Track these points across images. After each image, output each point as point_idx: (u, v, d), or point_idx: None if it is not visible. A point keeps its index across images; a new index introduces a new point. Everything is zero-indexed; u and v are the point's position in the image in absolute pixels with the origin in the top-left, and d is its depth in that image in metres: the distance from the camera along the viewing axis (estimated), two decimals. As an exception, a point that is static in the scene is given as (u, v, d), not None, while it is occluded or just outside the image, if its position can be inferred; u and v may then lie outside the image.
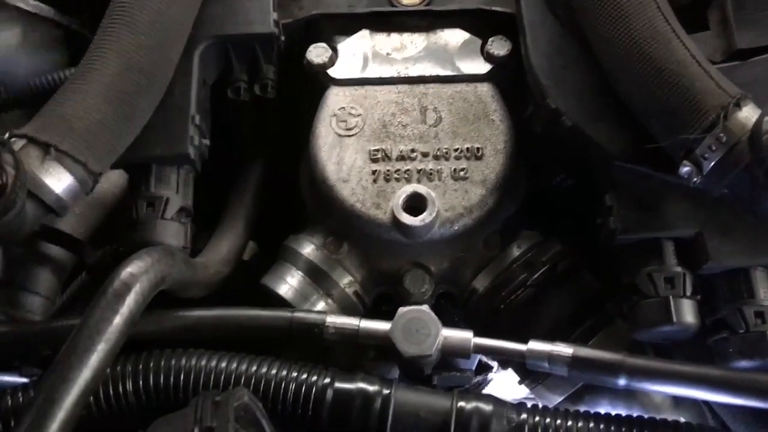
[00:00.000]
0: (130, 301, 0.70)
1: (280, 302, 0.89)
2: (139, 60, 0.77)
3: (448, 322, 1.04)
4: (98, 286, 0.72)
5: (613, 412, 0.80)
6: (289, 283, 0.90)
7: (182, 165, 0.85)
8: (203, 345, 0.80)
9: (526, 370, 0.83)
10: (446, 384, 0.93)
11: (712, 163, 0.71)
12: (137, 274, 0.72)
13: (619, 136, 0.80)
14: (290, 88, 0.96)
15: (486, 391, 1.11)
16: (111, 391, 0.74)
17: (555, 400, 0.90)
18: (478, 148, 0.90)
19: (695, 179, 0.72)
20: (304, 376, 0.76)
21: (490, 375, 1.10)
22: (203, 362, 0.76)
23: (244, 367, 0.76)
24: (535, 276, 0.88)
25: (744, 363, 0.75)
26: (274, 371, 0.76)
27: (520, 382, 0.93)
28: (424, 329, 0.78)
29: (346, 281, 0.90)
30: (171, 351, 0.77)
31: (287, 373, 0.76)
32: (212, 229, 0.97)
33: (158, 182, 0.83)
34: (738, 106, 0.70)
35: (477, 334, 0.81)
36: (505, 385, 1.11)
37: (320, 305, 0.89)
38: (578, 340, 0.86)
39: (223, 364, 0.76)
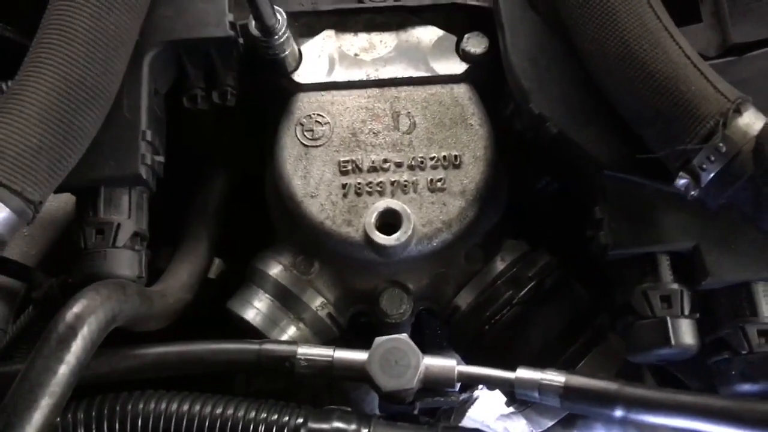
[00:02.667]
0: (76, 347, 0.63)
1: (248, 328, 0.82)
2: (78, 73, 0.69)
3: (430, 336, 0.99)
4: (45, 323, 0.66)
5: (608, 437, 0.75)
6: (256, 308, 0.83)
7: (134, 186, 0.77)
8: (164, 383, 0.73)
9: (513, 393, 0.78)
10: (430, 406, 0.87)
11: (711, 175, 0.65)
12: (84, 316, 0.65)
13: (609, 143, 0.74)
14: (252, 95, 0.89)
15: (473, 409, 1.06)
16: (61, 445, 0.68)
17: (545, 424, 0.84)
18: (455, 156, 0.83)
19: (692, 192, 0.66)
20: (275, 416, 0.70)
21: (476, 392, 1.05)
22: (163, 405, 0.70)
23: (208, 409, 0.70)
24: (522, 293, 0.82)
25: (747, 387, 0.70)
26: (241, 413, 0.70)
27: (507, 404, 0.88)
28: (403, 360, 0.72)
29: (318, 303, 0.84)
30: (128, 394, 0.70)
31: (256, 413, 0.70)
32: (174, 245, 0.90)
33: (108, 206, 0.76)
34: (738, 111, 0.64)
35: (462, 354, 0.75)
36: (493, 402, 1.05)
37: (291, 330, 0.83)
38: (570, 360, 0.81)
39: (186, 407, 0.70)
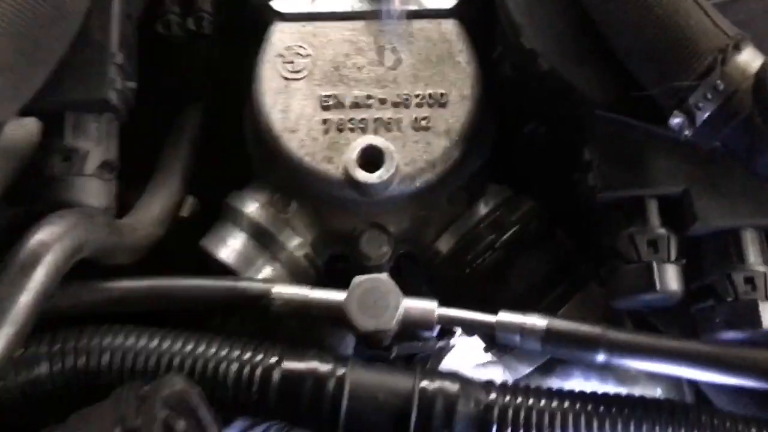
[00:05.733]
0: (39, 274, 0.60)
1: (222, 268, 0.79)
2: None
3: (409, 283, 0.97)
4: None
5: (587, 384, 0.74)
6: (231, 246, 0.80)
7: (103, 111, 0.73)
8: (135, 321, 0.70)
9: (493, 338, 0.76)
10: (407, 352, 0.86)
11: (707, 114, 0.62)
12: (49, 242, 0.62)
13: (601, 81, 0.71)
14: (230, 23, 0.85)
15: (449, 357, 1.05)
16: (22, 378, 0.64)
17: (524, 371, 0.83)
18: (441, 94, 0.80)
19: (687, 132, 0.64)
20: (248, 354, 0.67)
21: (453, 341, 1.03)
22: (131, 341, 0.67)
23: (178, 345, 0.67)
24: (504, 237, 0.80)
25: (732, 334, 0.69)
26: (213, 350, 0.67)
27: (486, 350, 0.87)
28: (382, 301, 0.70)
29: (295, 243, 0.81)
30: (94, 328, 0.67)
31: (228, 351, 0.67)
32: (144, 184, 0.87)
33: (75, 132, 0.72)
34: (737, 48, 0.62)
35: (442, 298, 0.73)
36: (469, 351, 1.04)
37: (267, 270, 0.80)
38: (550, 306, 0.79)
39: (155, 343, 0.67)
